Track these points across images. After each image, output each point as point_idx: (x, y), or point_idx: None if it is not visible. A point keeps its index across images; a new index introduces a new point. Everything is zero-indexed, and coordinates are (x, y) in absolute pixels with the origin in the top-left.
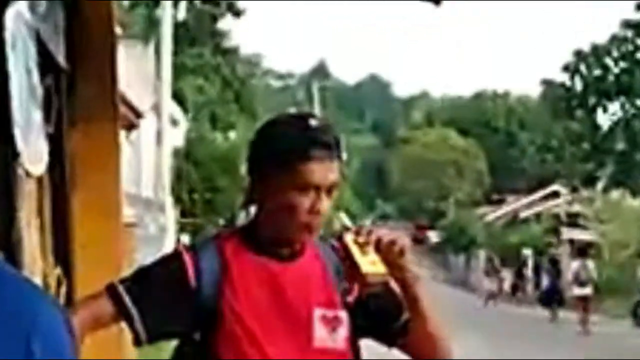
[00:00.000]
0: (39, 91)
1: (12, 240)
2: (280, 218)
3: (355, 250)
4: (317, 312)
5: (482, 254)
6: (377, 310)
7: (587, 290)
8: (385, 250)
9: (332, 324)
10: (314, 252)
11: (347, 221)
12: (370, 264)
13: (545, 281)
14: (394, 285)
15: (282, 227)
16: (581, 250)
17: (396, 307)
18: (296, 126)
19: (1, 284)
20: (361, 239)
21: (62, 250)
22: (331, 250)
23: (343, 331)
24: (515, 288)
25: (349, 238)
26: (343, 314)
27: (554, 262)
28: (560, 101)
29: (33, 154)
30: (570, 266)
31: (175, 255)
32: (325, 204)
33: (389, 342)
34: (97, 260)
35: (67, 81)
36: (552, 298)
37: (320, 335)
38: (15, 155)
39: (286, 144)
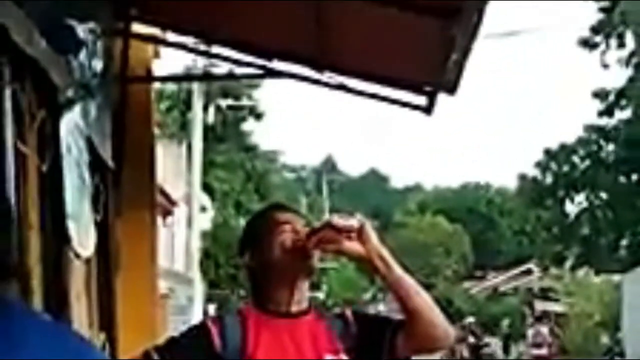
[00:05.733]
0: (89, 187)
1: (64, 311)
2: (275, 265)
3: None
4: (327, 358)
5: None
6: (365, 334)
7: (543, 351)
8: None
9: None
10: (318, 315)
11: None
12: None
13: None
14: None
15: (280, 272)
16: (538, 318)
17: (380, 322)
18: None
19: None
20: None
21: (106, 319)
22: (334, 317)
23: None
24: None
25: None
26: (346, 358)
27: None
28: (533, 192)
29: (82, 239)
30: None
31: (202, 326)
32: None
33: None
34: (136, 328)
35: (113, 177)
36: None
37: None
38: (67, 240)
39: (258, 215)
